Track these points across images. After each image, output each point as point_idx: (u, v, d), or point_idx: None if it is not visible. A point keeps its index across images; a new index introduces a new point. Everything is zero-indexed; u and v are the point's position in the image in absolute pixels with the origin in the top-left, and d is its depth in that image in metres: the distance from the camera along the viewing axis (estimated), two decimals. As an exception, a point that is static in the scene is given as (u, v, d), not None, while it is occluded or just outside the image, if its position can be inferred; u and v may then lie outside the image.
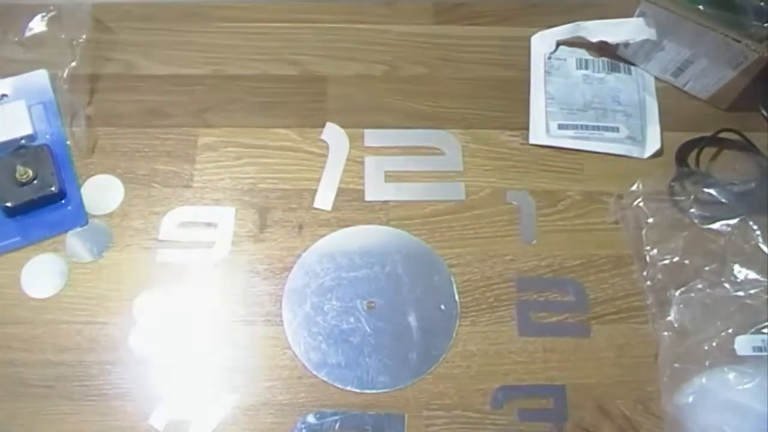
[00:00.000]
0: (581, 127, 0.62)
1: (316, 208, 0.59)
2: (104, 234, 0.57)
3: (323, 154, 0.61)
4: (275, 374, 0.53)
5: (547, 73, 0.65)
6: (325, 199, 0.59)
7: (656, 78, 0.65)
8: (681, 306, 0.53)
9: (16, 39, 0.64)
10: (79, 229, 0.57)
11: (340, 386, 0.53)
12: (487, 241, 0.58)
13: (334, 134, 0.62)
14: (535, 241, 0.58)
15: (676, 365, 0.51)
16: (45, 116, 0.61)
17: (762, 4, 0.55)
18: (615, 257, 0.57)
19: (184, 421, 0.51)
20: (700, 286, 0.54)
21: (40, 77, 0.62)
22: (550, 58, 0.66)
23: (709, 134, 0.61)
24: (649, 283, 0.55)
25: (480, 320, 0.55)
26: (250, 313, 0.55)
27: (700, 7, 0.57)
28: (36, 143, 0.59)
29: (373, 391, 0.52)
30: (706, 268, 0.54)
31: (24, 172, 0.56)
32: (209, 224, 0.58)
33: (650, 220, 0.57)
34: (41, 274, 0.55)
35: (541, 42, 0.67)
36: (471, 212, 0.59)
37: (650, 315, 0.55)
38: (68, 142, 0.60)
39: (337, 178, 0.60)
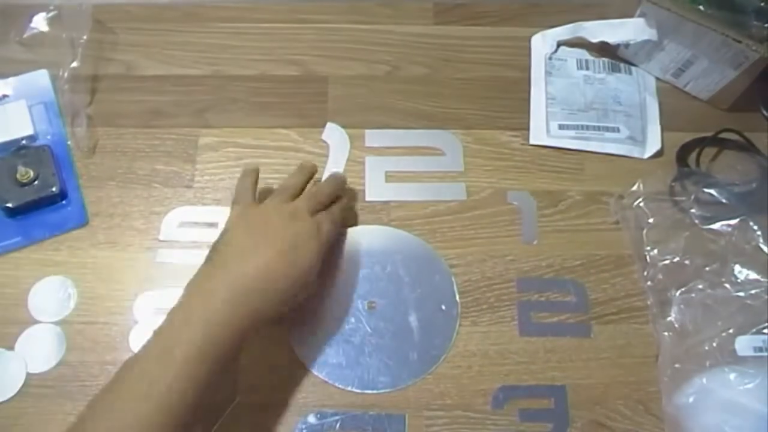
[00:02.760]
0: (582, 127, 0.62)
1: (317, 209, 0.59)
2: None
3: (324, 154, 0.61)
4: (276, 374, 0.53)
5: (547, 73, 0.65)
6: (325, 199, 0.59)
7: (657, 78, 0.65)
8: (681, 306, 0.53)
9: (17, 39, 0.64)
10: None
11: (340, 386, 0.52)
12: (487, 242, 0.58)
13: (334, 134, 0.62)
14: (535, 242, 0.58)
15: (676, 365, 0.51)
16: (46, 116, 0.61)
17: (762, 4, 0.55)
18: (615, 257, 0.57)
19: (184, 421, 0.51)
20: (700, 286, 0.54)
21: (41, 77, 0.62)
22: (550, 58, 0.66)
23: (709, 134, 0.62)
24: (649, 283, 0.55)
25: (481, 320, 0.55)
26: (250, 313, 0.55)
27: (701, 7, 0.57)
28: (37, 143, 0.59)
29: (374, 391, 0.52)
30: (707, 269, 0.54)
31: (25, 173, 0.56)
32: (210, 224, 0.58)
33: (651, 221, 0.57)
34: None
35: (542, 42, 0.67)
36: (472, 212, 0.59)
37: (651, 315, 0.55)
38: (69, 143, 0.60)
39: (338, 178, 0.60)
